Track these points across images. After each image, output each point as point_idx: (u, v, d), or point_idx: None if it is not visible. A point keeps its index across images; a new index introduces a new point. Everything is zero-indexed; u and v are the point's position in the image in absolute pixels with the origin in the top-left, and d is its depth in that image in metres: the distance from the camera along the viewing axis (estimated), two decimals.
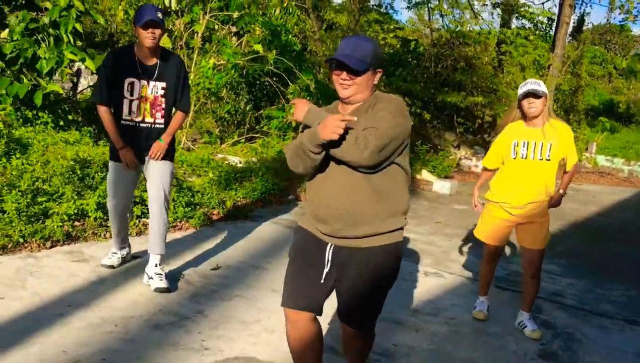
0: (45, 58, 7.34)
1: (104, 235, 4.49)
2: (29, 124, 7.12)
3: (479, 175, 3.93)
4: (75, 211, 4.61)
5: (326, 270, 2.28)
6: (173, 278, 3.78)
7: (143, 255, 4.12)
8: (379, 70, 2.27)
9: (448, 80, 13.36)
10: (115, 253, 3.91)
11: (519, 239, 3.70)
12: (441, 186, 9.63)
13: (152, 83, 3.46)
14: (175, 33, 10.23)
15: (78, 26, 7.73)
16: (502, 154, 3.62)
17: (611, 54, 27.12)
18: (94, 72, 8.11)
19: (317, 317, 2.36)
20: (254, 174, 7.15)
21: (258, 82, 10.54)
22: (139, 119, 3.48)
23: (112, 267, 3.83)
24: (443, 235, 6.19)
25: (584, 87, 17.97)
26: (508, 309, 4.07)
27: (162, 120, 3.54)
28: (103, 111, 3.49)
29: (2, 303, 3.07)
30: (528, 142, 3.49)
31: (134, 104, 3.45)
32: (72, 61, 7.71)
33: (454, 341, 3.38)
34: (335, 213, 2.21)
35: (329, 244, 2.28)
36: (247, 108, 10.65)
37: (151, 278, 3.59)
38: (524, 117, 3.52)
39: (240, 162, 7.76)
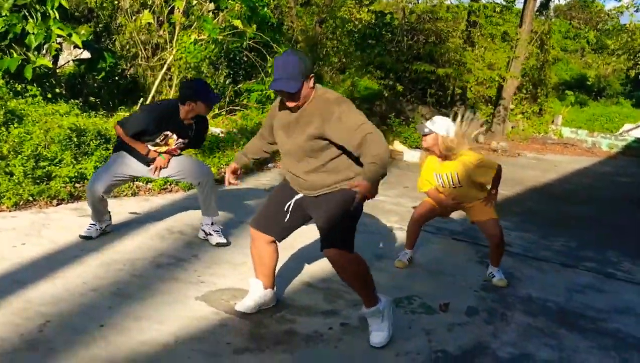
0: (33, 33, 7.66)
1: None
2: (19, 97, 7.49)
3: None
4: (75, 174, 5.09)
5: (290, 202, 2.95)
6: (172, 230, 4.32)
7: (140, 212, 4.65)
8: (311, 75, 2.71)
9: (420, 54, 13.90)
10: (94, 224, 4.01)
11: (470, 217, 4.17)
12: (412, 156, 10.22)
13: (180, 138, 3.94)
14: (155, 8, 10.57)
15: (64, 2, 8.05)
16: (431, 181, 4.15)
17: (584, 28, 27.86)
18: (80, 46, 8.48)
19: (276, 241, 3.06)
20: (235, 143, 7.64)
21: (237, 57, 10.94)
22: (152, 156, 3.95)
23: (89, 237, 3.92)
24: (409, 198, 6.78)
25: (551, 61, 18.65)
26: (462, 256, 4.70)
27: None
28: (124, 134, 3.84)
29: (25, 248, 3.58)
30: (441, 175, 4.05)
31: (157, 147, 3.91)
32: (59, 36, 8.05)
33: (411, 278, 3.99)
34: (297, 180, 2.88)
35: (299, 193, 2.95)
36: (227, 82, 11.07)
37: (210, 234, 4.18)
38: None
39: (221, 133, 8.23)
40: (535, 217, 6.60)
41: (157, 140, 3.86)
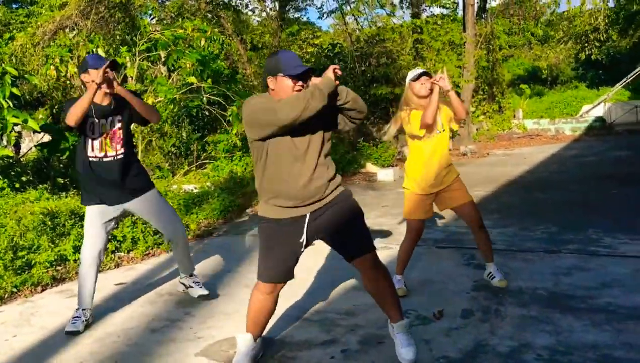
0: None
1: None
2: None
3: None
4: (55, 257, 5.07)
5: (304, 236, 2.91)
6: (160, 293, 4.32)
7: (126, 282, 4.65)
8: None
9: (375, 76, 14.22)
10: (78, 317, 3.71)
11: (446, 205, 4.01)
12: (385, 174, 10.38)
13: (109, 119, 3.72)
14: None
15: (15, 90, 8.09)
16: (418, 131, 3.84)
17: (526, 23, 28.74)
18: (37, 130, 8.49)
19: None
20: (210, 196, 7.68)
21: (198, 113, 11.06)
22: (102, 154, 3.72)
23: (77, 332, 3.62)
24: (390, 216, 6.88)
25: (501, 60, 19.19)
26: (448, 262, 4.78)
27: (122, 150, 3.76)
28: (66, 121, 3.57)
29: (17, 339, 3.55)
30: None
31: (97, 142, 3.70)
32: (15, 124, 8.06)
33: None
34: (315, 189, 2.86)
35: (305, 215, 2.89)
36: (192, 137, 11.16)
37: (190, 287, 4.13)
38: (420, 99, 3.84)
39: (195, 188, 8.27)
40: (513, 210, 6.74)
41: (90, 134, 3.68)
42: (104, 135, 3.73)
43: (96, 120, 3.71)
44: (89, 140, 3.72)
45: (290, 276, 3.02)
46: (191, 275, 4.21)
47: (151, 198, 3.92)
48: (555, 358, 2.90)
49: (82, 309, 3.75)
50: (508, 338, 3.18)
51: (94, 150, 3.73)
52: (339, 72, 2.78)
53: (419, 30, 15.03)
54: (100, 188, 3.75)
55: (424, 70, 3.87)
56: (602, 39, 18.95)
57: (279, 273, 2.97)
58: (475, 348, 3.09)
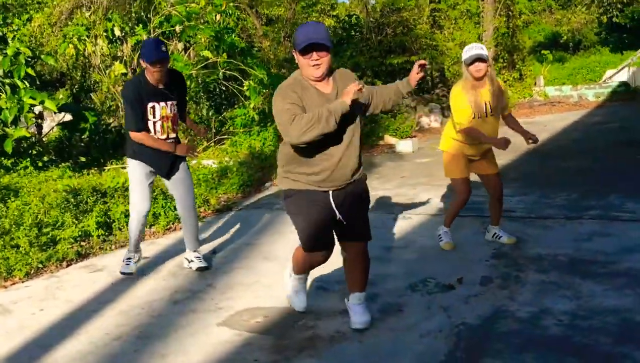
0: (6, 108, 7.72)
1: (109, 248, 5.05)
2: (11, 171, 7.60)
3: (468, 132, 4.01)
4: (79, 233, 5.17)
5: (338, 214, 2.96)
6: (182, 266, 4.39)
7: (148, 256, 4.73)
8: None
9: (392, 47, 14.03)
10: (131, 259, 4.22)
11: (478, 170, 4.23)
12: (404, 145, 10.31)
13: (169, 103, 3.90)
14: (125, 58, 10.71)
15: (30, 71, 8.13)
16: (467, 113, 3.95)
17: None
18: (56, 111, 8.58)
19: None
20: (229, 171, 7.73)
21: (215, 88, 11.06)
22: (164, 136, 3.94)
23: (131, 274, 4.17)
24: (408, 186, 6.86)
25: (521, 27, 18.76)
26: (469, 231, 4.77)
27: (175, 134, 4.04)
28: (142, 136, 3.86)
29: (44, 313, 3.65)
30: (478, 101, 3.92)
31: (158, 125, 3.89)
32: (33, 105, 8.13)
33: (423, 262, 4.05)
34: (348, 171, 2.92)
35: (329, 191, 2.92)
36: (210, 113, 11.18)
37: (192, 261, 4.22)
38: (473, 78, 3.92)
39: (214, 164, 8.32)
40: (533, 178, 6.67)
41: (151, 118, 3.84)
42: (165, 118, 3.91)
43: (156, 104, 3.87)
44: (151, 123, 3.89)
45: (332, 244, 3.07)
46: (194, 251, 4.29)
47: (181, 169, 4.10)
48: (575, 323, 2.89)
49: (134, 252, 4.25)
50: (527, 304, 3.18)
51: (156, 132, 3.93)
52: (362, 91, 2.79)
53: (437, 0, 14.76)
54: (155, 159, 3.98)
55: (477, 54, 3.87)
56: (625, 1, 18.42)
57: (320, 238, 2.99)
58: (495, 314, 3.09)
